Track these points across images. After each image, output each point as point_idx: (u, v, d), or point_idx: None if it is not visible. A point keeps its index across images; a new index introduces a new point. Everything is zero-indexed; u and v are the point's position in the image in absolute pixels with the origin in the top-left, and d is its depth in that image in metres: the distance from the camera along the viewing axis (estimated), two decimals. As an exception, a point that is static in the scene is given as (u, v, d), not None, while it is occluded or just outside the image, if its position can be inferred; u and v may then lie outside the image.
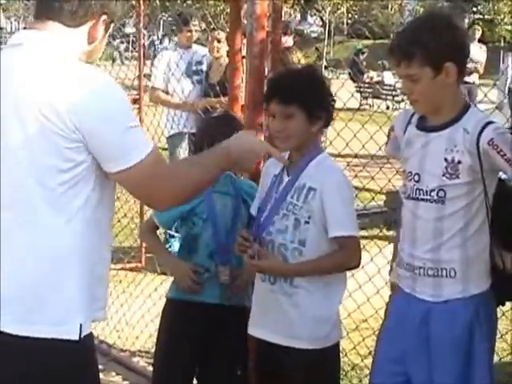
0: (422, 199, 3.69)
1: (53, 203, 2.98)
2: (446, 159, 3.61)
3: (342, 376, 4.61)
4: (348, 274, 4.21)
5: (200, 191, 3.46)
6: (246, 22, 4.95)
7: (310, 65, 6.42)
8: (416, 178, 3.71)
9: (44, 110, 2.90)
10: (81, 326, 3.00)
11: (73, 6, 3.13)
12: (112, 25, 3.30)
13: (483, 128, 3.55)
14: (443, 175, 3.61)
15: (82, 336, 3.01)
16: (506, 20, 44.57)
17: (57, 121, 2.89)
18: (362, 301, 5.42)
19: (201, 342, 4.47)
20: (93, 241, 3.09)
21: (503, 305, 3.89)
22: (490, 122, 3.60)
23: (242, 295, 4.44)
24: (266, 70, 4.83)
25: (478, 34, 15.51)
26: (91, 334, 3.15)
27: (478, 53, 15.33)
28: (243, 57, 5.07)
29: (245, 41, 5.03)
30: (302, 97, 3.94)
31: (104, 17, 3.21)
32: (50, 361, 3.00)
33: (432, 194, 3.65)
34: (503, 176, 3.68)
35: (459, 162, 3.58)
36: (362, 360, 5.48)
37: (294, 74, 4.33)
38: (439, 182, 3.62)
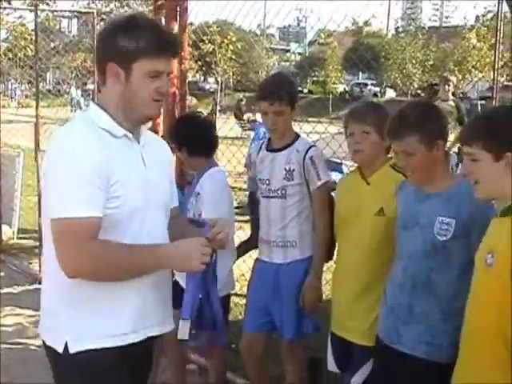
0: (272, 196, 3.74)
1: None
2: (285, 168, 3.69)
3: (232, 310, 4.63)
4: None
5: (113, 279, 2.30)
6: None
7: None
8: (267, 182, 3.77)
9: None
10: (66, 342, 2.30)
11: (96, 67, 2.42)
12: (141, 61, 2.26)
13: (309, 149, 3.69)
14: (284, 179, 3.69)
15: (72, 352, 2.30)
16: (332, 81, 45.27)
17: None
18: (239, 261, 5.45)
19: None
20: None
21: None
22: (313, 145, 3.77)
23: None
24: (176, 113, 4.83)
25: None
26: (103, 356, 2.33)
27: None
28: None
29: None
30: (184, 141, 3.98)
31: (110, 64, 2.28)
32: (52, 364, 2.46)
33: (278, 192, 3.72)
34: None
35: (293, 170, 3.67)
36: (241, 299, 5.50)
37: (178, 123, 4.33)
38: (281, 184, 3.69)
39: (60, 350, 2.33)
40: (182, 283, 2.78)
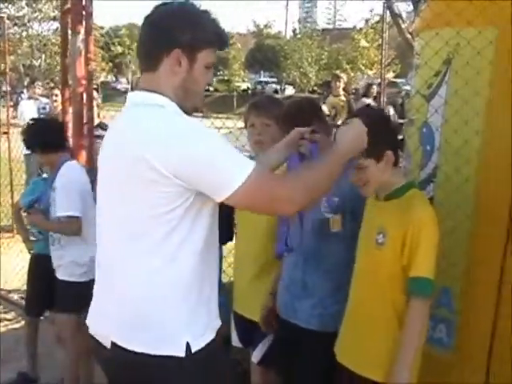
0: None
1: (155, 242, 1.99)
2: None
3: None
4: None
5: (322, 190, 2.10)
6: (71, 82, 4.85)
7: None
8: None
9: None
10: (188, 343, 2.01)
11: (145, 52, 2.13)
12: (204, 51, 2.08)
13: None
14: None
15: (194, 350, 2.02)
16: (236, 79, 45.52)
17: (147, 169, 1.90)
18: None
19: (48, 281, 4.13)
20: (198, 271, 2.06)
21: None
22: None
23: None
24: (84, 112, 4.75)
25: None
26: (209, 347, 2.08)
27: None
28: (70, 103, 4.96)
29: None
30: None
31: (176, 50, 2.03)
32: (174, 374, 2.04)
33: None
34: None
35: None
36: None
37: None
38: None
39: (182, 354, 2.00)
40: None
